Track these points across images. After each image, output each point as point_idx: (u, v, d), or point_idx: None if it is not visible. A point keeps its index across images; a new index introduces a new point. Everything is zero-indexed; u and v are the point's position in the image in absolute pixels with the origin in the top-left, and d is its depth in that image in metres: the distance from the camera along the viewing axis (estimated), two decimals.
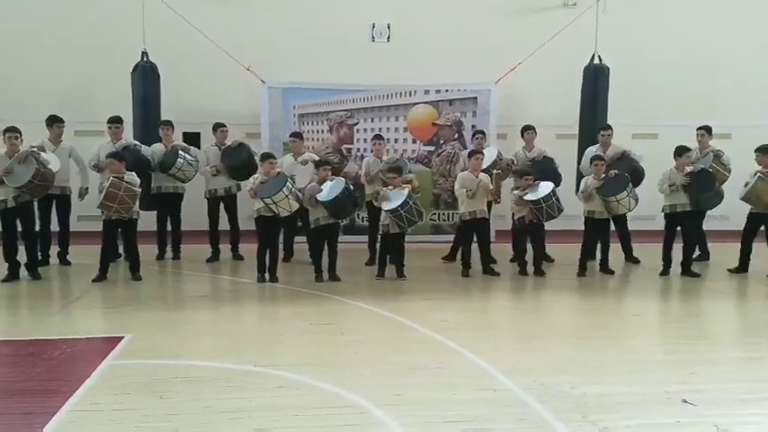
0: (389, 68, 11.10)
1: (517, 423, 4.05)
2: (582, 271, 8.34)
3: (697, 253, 8.94)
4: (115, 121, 8.82)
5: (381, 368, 4.97)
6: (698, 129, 9.04)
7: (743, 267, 8.46)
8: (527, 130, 9.36)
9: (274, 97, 10.53)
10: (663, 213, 8.46)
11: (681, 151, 8.32)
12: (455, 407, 4.25)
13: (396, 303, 7.00)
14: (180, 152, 8.91)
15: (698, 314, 6.91)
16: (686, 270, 8.31)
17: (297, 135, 9.24)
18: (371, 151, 9.22)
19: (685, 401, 4.33)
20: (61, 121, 8.68)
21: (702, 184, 8.14)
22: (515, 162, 9.07)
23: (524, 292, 7.74)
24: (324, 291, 7.48)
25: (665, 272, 8.32)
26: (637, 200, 8.26)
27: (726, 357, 5.41)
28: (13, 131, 7.77)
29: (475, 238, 8.34)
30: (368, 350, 5.43)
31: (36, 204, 8.18)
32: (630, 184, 8.21)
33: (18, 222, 7.84)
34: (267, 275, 7.90)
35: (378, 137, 9.32)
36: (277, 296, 7.41)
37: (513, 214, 8.43)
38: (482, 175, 8.24)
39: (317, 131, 10.69)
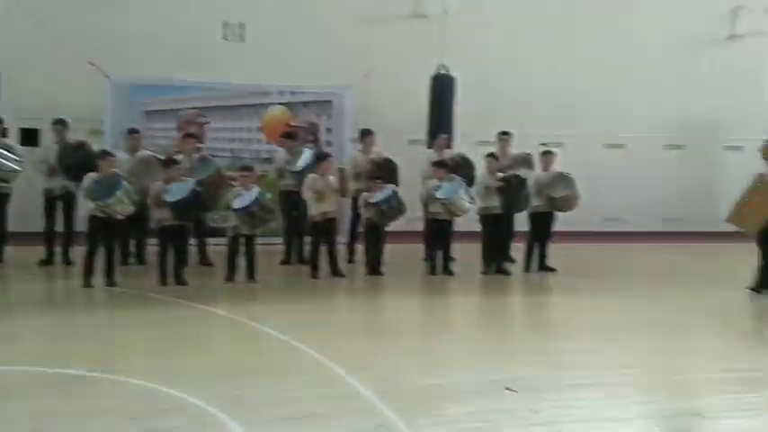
0: (244, 67, 10.98)
1: (356, 416, 4.19)
2: (432, 270, 8.70)
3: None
4: None
5: (224, 370, 4.95)
6: (500, 134, 9.68)
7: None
8: (367, 134, 9.56)
9: (119, 93, 10.09)
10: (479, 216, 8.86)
11: (490, 156, 8.89)
12: (296, 405, 4.32)
13: (245, 306, 6.97)
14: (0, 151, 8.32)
15: (532, 308, 7.44)
16: (501, 268, 8.88)
17: (134, 131, 8.99)
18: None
19: (508, 389, 4.67)
20: None
21: (514, 188, 8.64)
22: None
23: (370, 293, 7.97)
24: (170, 295, 7.29)
25: (489, 270, 8.76)
26: (472, 200, 8.66)
27: (555, 348, 5.86)
28: None
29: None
30: (211, 353, 5.39)
31: None
32: (465, 186, 8.56)
33: None
34: (101, 279, 7.54)
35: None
36: (117, 301, 7.12)
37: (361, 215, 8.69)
38: (330, 177, 8.38)
39: (166, 129, 10.37)
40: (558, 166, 9.18)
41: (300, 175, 8.66)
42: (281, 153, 9.43)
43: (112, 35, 10.74)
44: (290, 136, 9.60)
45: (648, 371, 5.26)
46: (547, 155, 9.20)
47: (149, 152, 8.94)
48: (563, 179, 8.87)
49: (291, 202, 8.98)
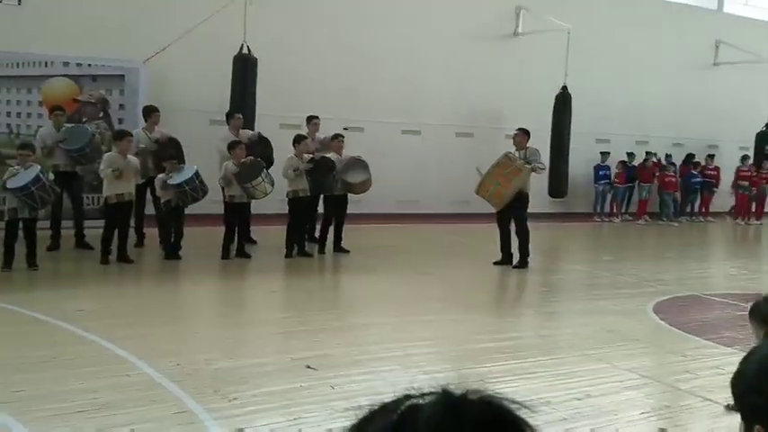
0: (21, 34, 9.97)
1: (150, 405, 4.05)
2: (226, 254, 8.50)
3: None
4: None
5: (2, 365, 4.54)
6: (308, 117, 9.97)
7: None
8: (152, 111, 9.18)
9: None
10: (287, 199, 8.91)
11: (299, 139, 8.98)
12: (83, 396, 4.09)
13: (25, 294, 6.42)
14: None
15: (330, 288, 7.63)
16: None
17: None
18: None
19: (308, 367, 4.78)
20: None
21: (324, 170, 8.85)
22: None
23: (164, 277, 7.72)
24: None
25: (292, 253, 8.80)
26: (273, 184, 8.67)
27: (349, 324, 6.07)
28: None
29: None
30: None
31: None
32: (265, 169, 8.57)
33: None
34: None
35: None
36: None
37: (159, 199, 8.31)
38: (130, 156, 7.95)
39: None
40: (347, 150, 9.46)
41: (79, 154, 8.10)
42: (47, 129, 8.66)
43: None
44: (60, 109, 8.83)
45: (437, 342, 5.65)
46: (337, 138, 9.37)
47: None
48: (359, 164, 9.16)
49: (64, 183, 8.35)
